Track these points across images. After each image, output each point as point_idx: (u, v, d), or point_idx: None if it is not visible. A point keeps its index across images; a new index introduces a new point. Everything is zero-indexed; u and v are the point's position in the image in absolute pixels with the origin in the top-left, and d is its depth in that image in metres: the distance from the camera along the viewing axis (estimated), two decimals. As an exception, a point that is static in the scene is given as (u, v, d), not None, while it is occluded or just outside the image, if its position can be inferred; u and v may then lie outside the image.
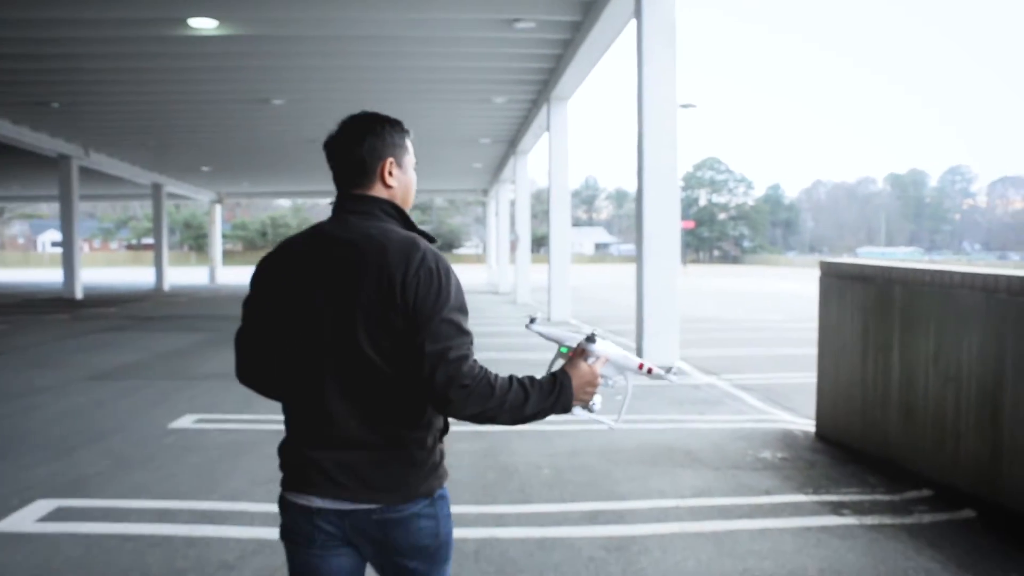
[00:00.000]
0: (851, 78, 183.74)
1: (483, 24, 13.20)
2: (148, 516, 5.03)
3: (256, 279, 2.20)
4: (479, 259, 77.19)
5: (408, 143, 2.23)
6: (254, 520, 4.93)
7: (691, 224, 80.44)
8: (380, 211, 2.14)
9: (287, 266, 2.13)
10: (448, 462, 2.20)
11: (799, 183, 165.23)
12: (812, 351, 7.33)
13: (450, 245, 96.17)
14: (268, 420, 7.70)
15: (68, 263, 27.54)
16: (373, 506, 2.05)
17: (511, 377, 2.03)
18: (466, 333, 2.02)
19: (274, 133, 23.39)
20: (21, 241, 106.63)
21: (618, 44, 13.77)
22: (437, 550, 2.13)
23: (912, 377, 5.68)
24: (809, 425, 7.37)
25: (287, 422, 2.17)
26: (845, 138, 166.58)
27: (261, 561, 4.31)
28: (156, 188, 35.94)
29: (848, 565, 4.20)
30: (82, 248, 39.74)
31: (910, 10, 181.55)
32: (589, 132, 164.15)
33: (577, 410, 2.14)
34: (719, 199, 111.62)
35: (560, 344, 2.22)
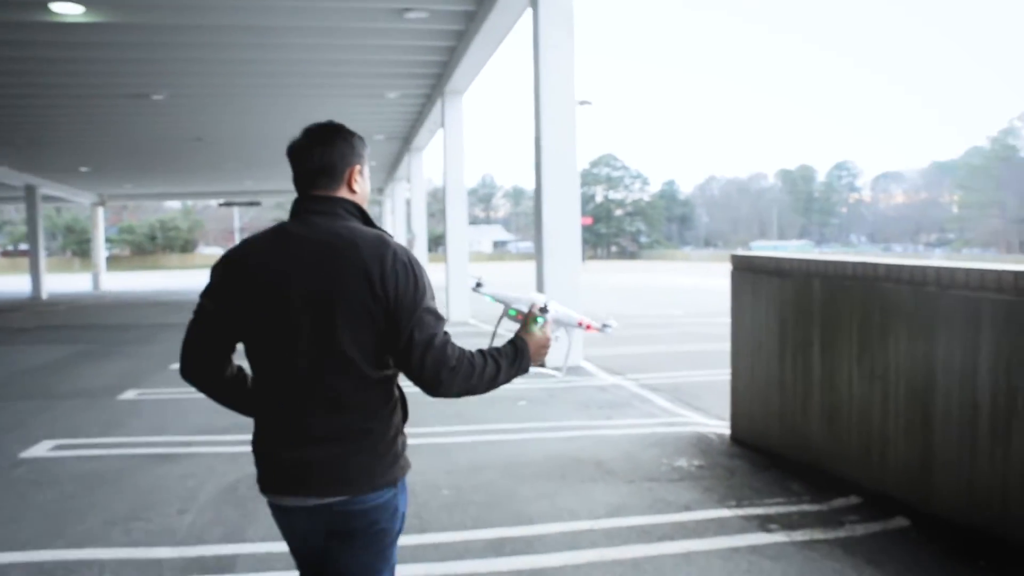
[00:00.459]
0: (743, 74, 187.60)
1: (373, 14, 12.61)
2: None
3: (218, 278, 2.23)
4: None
5: (367, 155, 2.35)
6: (104, 570, 4.24)
7: (588, 220, 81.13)
8: (343, 210, 2.22)
9: (255, 266, 2.17)
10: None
11: (693, 179, 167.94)
12: (717, 347, 7.00)
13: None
14: (136, 443, 7.00)
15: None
16: (340, 498, 2.14)
17: (480, 351, 2.21)
18: (442, 319, 2.18)
19: (156, 131, 22.13)
20: None
21: (516, 37, 13.35)
22: (394, 533, 2.27)
23: (835, 377, 5.33)
24: (723, 427, 7.01)
25: (256, 420, 2.29)
26: (737, 134, 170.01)
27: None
28: (29, 190, 33.78)
29: (783, 592, 3.79)
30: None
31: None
32: (486, 129, 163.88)
33: (532, 367, 2.32)
34: (615, 195, 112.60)
35: (508, 306, 2.40)
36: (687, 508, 4.96)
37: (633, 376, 10.03)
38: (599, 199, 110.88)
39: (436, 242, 52.61)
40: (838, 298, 5.30)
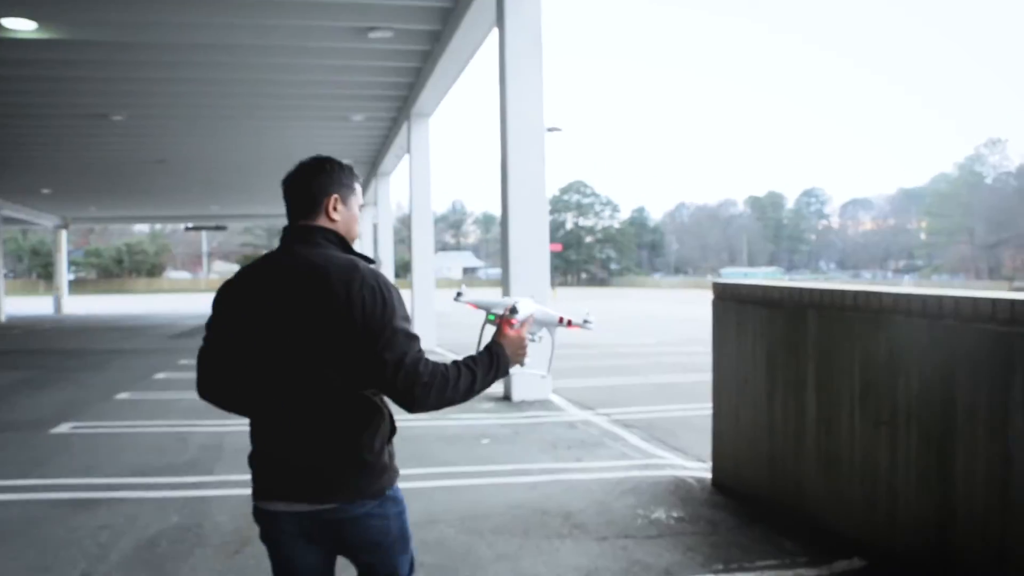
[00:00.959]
0: (711, 102, 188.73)
1: (336, 33, 12.08)
2: None
3: (217, 304, 2.40)
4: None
5: (356, 186, 2.48)
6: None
7: (558, 247, 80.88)
8: (322, 239, 2.35)
9: (245, 292, 2.35)
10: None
11: (663, 206, 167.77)
12: (692, 378, 6.41)
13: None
14: (56, 486, 6.29)
15: None
16: (327, 506, 2.26)
17: (455, 363, 2.27)
18: (415, 337, 2.26)
19: (117, 152, 21.37)
20: None
21: (485, 61, 12.92)
22: (390, 546, 2.36)
23: (833, 420, 4.72)
24: (703, 471, 6.39)
25: (251, 435, 2.39)
26: (707, 160, 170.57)
27: None
28: (-11, 213, 33.06)
29: None
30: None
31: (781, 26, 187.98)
32: (456, 155, 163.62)
33: (514, 368, 2.39)
34: (586, 222, 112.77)
35: (488, 311, 2.48)
36: (667, 573, 4.32)
37: (604, 411, 9.40)
38: (569, 226, 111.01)
39: (405, 268, 52.04)
40: (836, 331, 4.71)
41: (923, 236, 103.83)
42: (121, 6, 10.54)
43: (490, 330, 2.44)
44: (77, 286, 72.85)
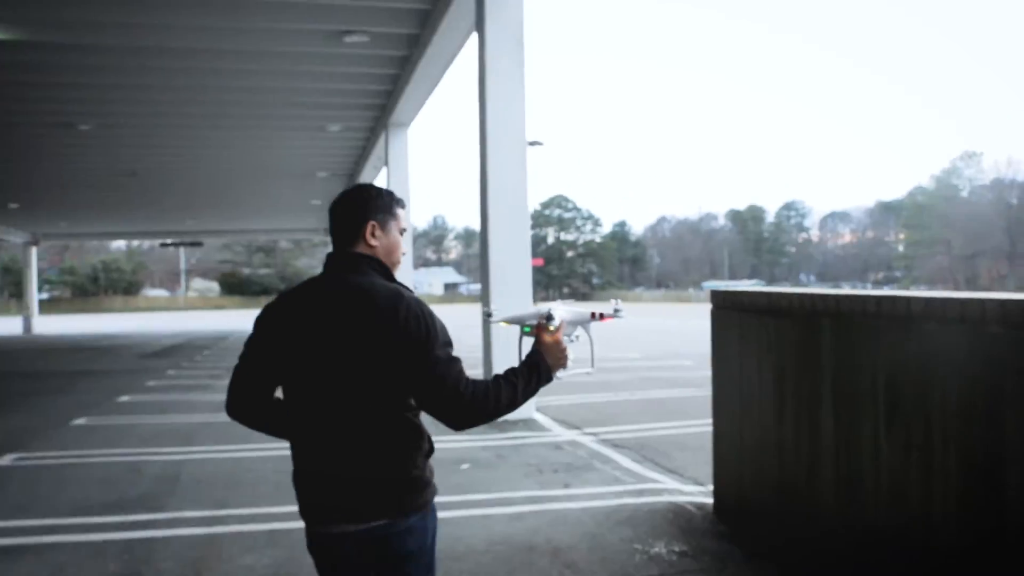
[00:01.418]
0: (691, 115, 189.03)
1: (310, 37, 11.61)
2: None
3: (258, 327, 2.47)
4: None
5: (399, 212, 2.53)
6: None
7: (540, 261, 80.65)
8: (367, 266, 2.43)
9: (288, 317, 2.42)
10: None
11: (644, 219, 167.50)
12: (681, 393, 5.94)
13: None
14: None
15: None
16: (375, 523, 2.30)
17: (496, 377, 2.36)
18: (457, 360, 2.32)
19: (86, 164, 20.71)
20: None
21: (465, 70, 12.50)
22: (421, 556, 2.39)
23: (855, 443, 4.20)
24: (703, 496, 5.87)
25: (294, 456, 2.43)
26: (688, 174, 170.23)
27: None
28: (-48, 230, 32.25)
29: None
30: None
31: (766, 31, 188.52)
32: (438, 171, 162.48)
33: (559, 372, 2.44)
34: (567, 237, 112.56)
35: (523, 325, 2.52)
36: (674, 622, 3.79)
37: (591, 430, 8.88)
38: (551, 240, 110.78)
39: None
40: (857, 342, 4.19)
41: (901, 248, 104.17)
42: (79, 6, 10.04)
43: (528, 342, 2.48)
44: (50, 305, 71.75)
